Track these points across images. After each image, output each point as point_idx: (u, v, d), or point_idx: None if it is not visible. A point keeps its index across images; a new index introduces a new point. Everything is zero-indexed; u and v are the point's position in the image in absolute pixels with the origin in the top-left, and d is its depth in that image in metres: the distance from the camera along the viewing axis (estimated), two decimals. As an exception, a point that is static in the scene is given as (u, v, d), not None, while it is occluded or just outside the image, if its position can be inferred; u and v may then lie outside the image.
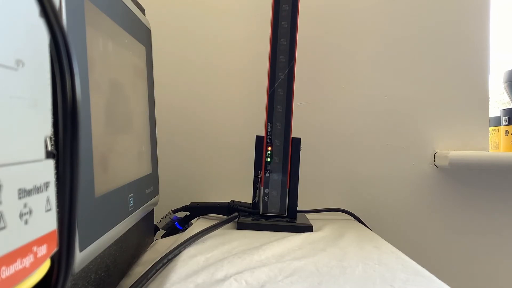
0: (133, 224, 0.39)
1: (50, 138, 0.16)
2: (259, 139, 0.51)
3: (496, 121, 0.74)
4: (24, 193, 0.14)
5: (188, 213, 0.60)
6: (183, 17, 0.68)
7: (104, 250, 0.31)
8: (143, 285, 0.31)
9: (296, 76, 0.50)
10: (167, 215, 0.60)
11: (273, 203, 0.51)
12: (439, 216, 0.69)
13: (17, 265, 0.14)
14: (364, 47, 0.69)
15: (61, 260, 0.17)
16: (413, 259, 0.39)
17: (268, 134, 0.50)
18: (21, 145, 0.14)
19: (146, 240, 0.49)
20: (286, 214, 0.51)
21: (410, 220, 0.69)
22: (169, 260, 0.36)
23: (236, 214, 0.52)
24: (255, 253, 0.38)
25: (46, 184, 0.16)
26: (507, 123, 0.71)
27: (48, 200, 0.16)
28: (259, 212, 0.51)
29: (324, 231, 0.48)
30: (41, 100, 0.16)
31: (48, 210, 0.16)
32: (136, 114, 0.41)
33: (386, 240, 0.46)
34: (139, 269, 0.42)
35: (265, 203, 0.51)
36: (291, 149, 0.51)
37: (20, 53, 0.14)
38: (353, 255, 0.39)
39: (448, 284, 0.32)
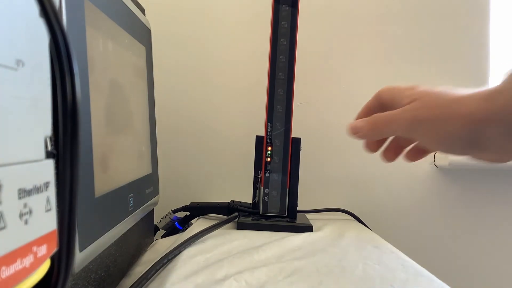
0: (133, 224, 0.39)
1: (50, 138, 0.16)
2: (259, 139, 0.51)
3: (496, 121, 0.74)
4: (24, 193, 0.14)
5: (188, 213, 0.60)
6: (183, 17, 0.68)
7: (104, 250, 0.31)
8: (143, 285, 0.31)
9: (296, 76, 0.50)
10: (167, 215, 0.60)
11: (273, 203, 0.51)
12: (439, 216, 0.69)
13: (17, 265, 0.14)
14: (364, 47, 0.69)
15: (61, 260, 0.17)
16: (413, 259, 0.39)
17: (268, 134, 0.50)
18: (21, 145, 0.14)
19: (146, 240, 0.49)
20: (286, 214, 0.51)
21: (410, 220, 0.69)
22: (169, 260, 0.36)
23: (236, 214, 0.52)
24: (255, 253, 0.38)
25: (46, 184, 0.16)
26: (507, 123, 0.71)
27: (48, 200, 0.16)
28: (259, 212, 0.51)
29: (324, 231, 0.48)
30: (41, 100, 0.16)
31: (48, 210, 0.16)
32: (136, 114, 0.41)
33: (386, 240, 0.46)
34: (139, 269, 0.42)
35: (265, 203, 0.51)
36: (291, 149, 0.51)
37: (20, 53, 0.14)
38: (353, 255, 0.39)
39: (448, 284, 0.32)
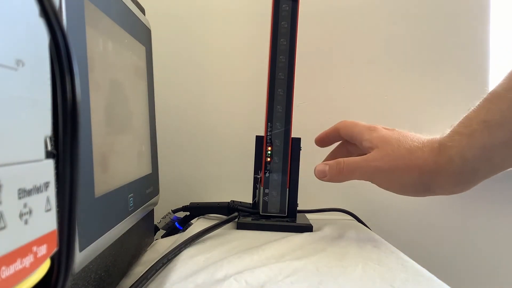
0: (133, 224, 0.39)
1: (50, 138, 0.16)
2: (259, 139, 0.51)
3: (496, 121, 0.74)
4: (24, 193, 0.14)
5: (188, 213, 0.59)
6: (183, 17, 0.68)
7: (104, 250, 0.31)
8: (143, 285, 0.31)
9: (296, 76, 0.50)
10: (167, 215, 0.60)
11: (273, 203, 0.51)
12: (439, 216, 0.69)
13: (17, 265, 0.14)
14: (364, 47, 0.69)
15: (61, 260, 0.17)
16: (413, 259, 0.39)
17: (268, 134, 0.50)
18: (21, 145, 0.14)
19: (146, 240, 0.49)
20: (286, 214, 0.51)
21: (410, 220, 0.69)
22: (169, 260, 0.36)
23: (236, 214, 0.52)
24: (255, 253, 0.38)
25: (46, 184, 0.16)
26: (507, 123, 0.71)
27: (48, 200, 0.16)
28: (259, 212, 0.51)
29: (324, 231, 0.48)
30: (41, 100, 0.16)
31: (48, 210, 0.16)
32: (136, 114, 0.41)
33: (386, 240, 0.46)
34: (139, 269, 0.42)
35: (265, 203, 0.51)
36: (291, 149, 0.51)
37: (20, 53, 0.14)
38: (353, 255, 0.39)
39: (448, 284, 0.32)
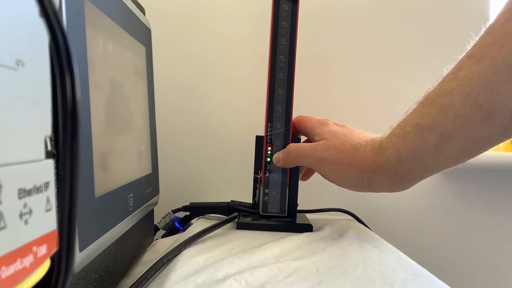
0: (133, 224, 0.39)
1: (50, 138, 0.16)
2: (259, 139, 0.51)
3: (496, 121, 0.74)
4: (24, 193, 0.14)
5: (188, 213, 0.59)
6: (183, 17, 0.68)
7: (104, 250, 0.31)
8: (143, 285, 0.31)
9: (296, 76, 0.50)
10: (167, 215, 0.60)
11: (273, 203, 0.51)
12: (438, 216, 0.69)
13: (17, 265, 0.14)
14: (364, 46, 0.69)
15: (61, 260, 0.17)
16: (413, 259, 0.39)
17: (268, 134, 0.50)
18: (21, 145, 0.14)
19: (146, 240, 0.49)
20: (286, 214, 0.51)
21: (410, 220, 0.69)
22: (169, 260, 0.36)
23: (236, 214, 0.52)
24: (255, 253, 0.38)
25: (46, 184, 0.16)
26: (507, 123, 0.71)
27: (48, 200, 0.16)
28: (259, 212, 0.51)
29: (324, 231, 0.48)
30: (41, 100, 0.16)
31: (48, 210, 0.16)
32: (136, 114, 0.41)
33: (386, 240, 0.46)
34: (139, 269, 0.42)
35: (265, 203, 0.51)
36: (291, 149, 0.50)
37: (20, 53, 0.14)
38: (353, 255, 0.39)
39: (448, 284, 0.32)
